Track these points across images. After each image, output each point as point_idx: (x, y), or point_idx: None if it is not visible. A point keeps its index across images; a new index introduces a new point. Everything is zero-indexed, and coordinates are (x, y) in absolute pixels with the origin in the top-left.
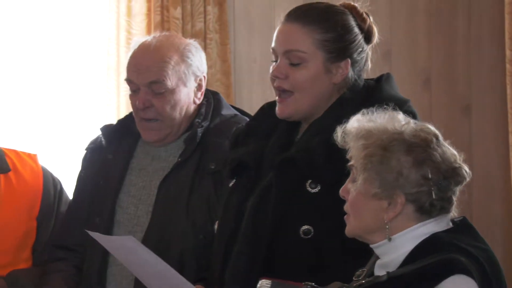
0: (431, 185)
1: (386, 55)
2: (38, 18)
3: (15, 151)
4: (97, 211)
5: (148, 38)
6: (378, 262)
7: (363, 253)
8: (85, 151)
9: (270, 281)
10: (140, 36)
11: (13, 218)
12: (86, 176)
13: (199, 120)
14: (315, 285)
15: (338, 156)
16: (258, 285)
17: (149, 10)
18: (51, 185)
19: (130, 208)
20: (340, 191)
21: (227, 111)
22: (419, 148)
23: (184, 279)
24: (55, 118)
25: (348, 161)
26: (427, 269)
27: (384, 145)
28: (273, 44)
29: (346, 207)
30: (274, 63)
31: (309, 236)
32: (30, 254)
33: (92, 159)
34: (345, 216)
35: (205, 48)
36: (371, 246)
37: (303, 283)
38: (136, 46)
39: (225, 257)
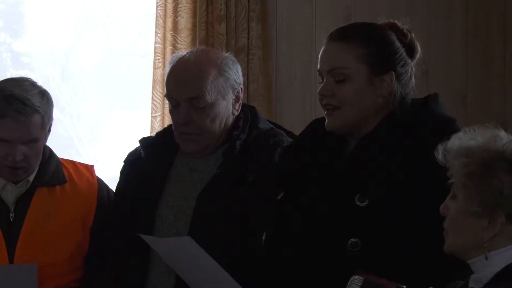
0: None
1: (423, 74)
2: (87, 31)
3: (72, 162)
4: (136, 221)
5: (185, 53)
6: (472, 276)
7: (409, 267)
8: (124, 163)
9: (362, 278)
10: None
11: (67, 229)
12: (125, 187)
13: (237, 133)
14: None
15: (387, 172)
16: (350, 280)
17: (194, 25)
18: (105, 197)
19: (169, 218)
20: (441, 208)
21: (263, 125)
22: None
23: (239, 286)
24: (102, 128)
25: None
26: None
27: (485, 164)
28: (318, 66)
29: (445, 224)
30: (321, 84)
31: (357, 249)
32: (82, 264)
33: (131, 170)
34: (444, 233)
35: (248, 64)
36: (468, 262)
37: (396, 285)
38: (174, 62)
39: (277, 266)
